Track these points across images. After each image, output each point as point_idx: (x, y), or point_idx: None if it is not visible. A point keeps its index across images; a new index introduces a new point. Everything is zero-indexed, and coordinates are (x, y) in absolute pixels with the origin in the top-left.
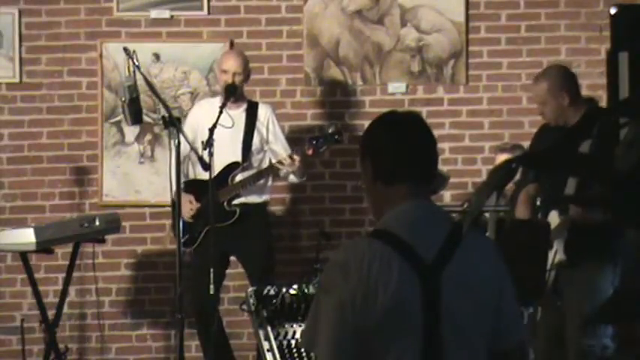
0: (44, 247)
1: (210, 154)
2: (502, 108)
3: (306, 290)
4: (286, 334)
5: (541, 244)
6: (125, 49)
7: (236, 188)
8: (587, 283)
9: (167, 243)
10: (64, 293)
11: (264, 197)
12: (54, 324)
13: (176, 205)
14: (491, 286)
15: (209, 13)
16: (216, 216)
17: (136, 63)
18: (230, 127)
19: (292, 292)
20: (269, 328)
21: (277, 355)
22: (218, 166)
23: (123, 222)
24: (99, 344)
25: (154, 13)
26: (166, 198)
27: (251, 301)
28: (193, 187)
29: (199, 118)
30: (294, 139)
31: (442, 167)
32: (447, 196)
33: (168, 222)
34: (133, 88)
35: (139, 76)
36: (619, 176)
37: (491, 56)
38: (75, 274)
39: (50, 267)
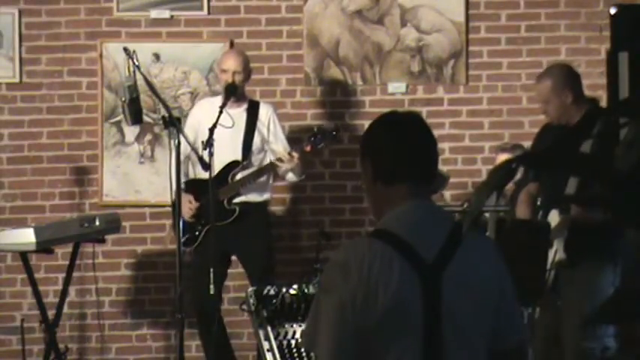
0: (44, 247)
1: (211, 154)
2: (502, 108)
3: (306, 290)
4: (286, 334)
5: (541, 244)
6: (125, 49)
7: (235, 186)
8: (587, 283)
9: (168, 243)
10: (64, 293)
11: (265, 196)
12: (54, 324)
13: (176, 205)
14: (491, 285)
15: (209, 13)
16: (216, 215)
17: (136, 63)
18: (230, 127)
19: (292, 292)
20: (269, 328)
21: (277, 355)
22: (218, 166)
23: (123, 222)
24: (99, 344)
25: (154, 13)
26: (166, 198)
27: (251, 301)
28: (193, 186)
29: (200, 117)
30: (295, 139)
31: (442, 167)
32: (447, 196)
33: (168, 222)
34: (133, 88)
35: (139, 76)
36: (619, 176)
37: (491, 56)
38: (75, 274)
39: (50, 267)
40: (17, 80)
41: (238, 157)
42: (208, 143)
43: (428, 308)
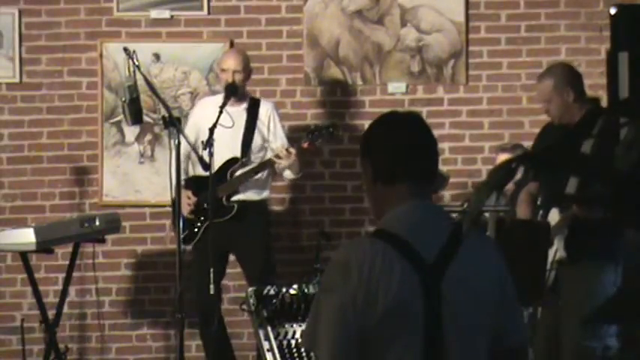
0: (44, 247)
1: (210, 154)
2: (502, 108)
3: (306, 290)
4: (286, 334)
5: (541, 244)
6: (125, 49)
7: (234, 183)
8: (588, 283)
9: (168, 242)
10: (64, 293)
11: (264, 195)
12: (54, 324)
13: (176, 204)
14: (492, 286)
15: (209, 13)
16: (214, 211)
17: (136, 63)
18: (230, 127)
19: (292, 292)
20: (269, 328)
21: (277, 355)
22: (218, 165)
23: (123, 222)
24: (99, 344)
25: (154, 13)
26: (166, 198)
27: (251, 301)
28: (193, 183)
29: (202, 117)
30: (295, 139)
31: (442, 167)
32: (447, 196)
33: (168, 222)
34: (133, 88)
35: (139, 76)
36: (619, 176)
37: (491, 56)
38: (75, 274)
39: (50, 267)
40: (17, 80)
41: (238, 155)
42: (208, 143)
43: (428, 308)
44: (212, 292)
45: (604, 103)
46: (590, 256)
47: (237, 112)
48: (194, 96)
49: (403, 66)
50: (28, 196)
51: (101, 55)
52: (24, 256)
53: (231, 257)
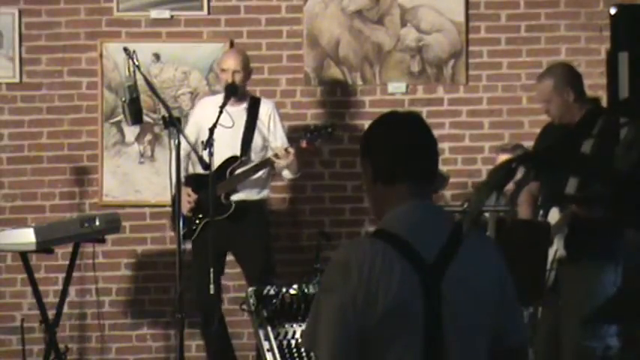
0: (44, 247)
1: (211, 154)
2: (502, 108)
3: (306, 290)
4: (286, 334)
5: (541, 244)
6: (125, 49)
7: (233, 181)
8: (588, 283)
9: (167, 241)
10: (64, 293)
11: (263, 194)
12: (54, 324)
13: (176, 204)
14: (492, 286)
15: (209, 13)
16: (213, 209)
17: (136, 63)
18: (230, 127)
19: (292, 292)
20: (269, 328)
21: (277, 355)
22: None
23: (123, 222)
24: (99, 344)
25: (154, 13)
26: (166, 198)
27: (251, 301)
28: (192, 181)
29: (202, 117)
30: (294, 139)
31: (442, 167)
32: (447, 196)
33: (168, 222)
34: (133, 88)
35: (139, 76)
36: (619, 176)
37: (491, 56)
38: (75, 274)
39: (50, 267)
40: (17, 80)
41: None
42: (208, 143)
43: (428, 308)
44: (212, 291)
45: (604, 103)
46: (590, 256)
47: (237, 112)
48: (194, 96)
49: (403, 66)
50: (28, 196)
51: (101, 55)
52: (24, 256)
53: (231, 257)
